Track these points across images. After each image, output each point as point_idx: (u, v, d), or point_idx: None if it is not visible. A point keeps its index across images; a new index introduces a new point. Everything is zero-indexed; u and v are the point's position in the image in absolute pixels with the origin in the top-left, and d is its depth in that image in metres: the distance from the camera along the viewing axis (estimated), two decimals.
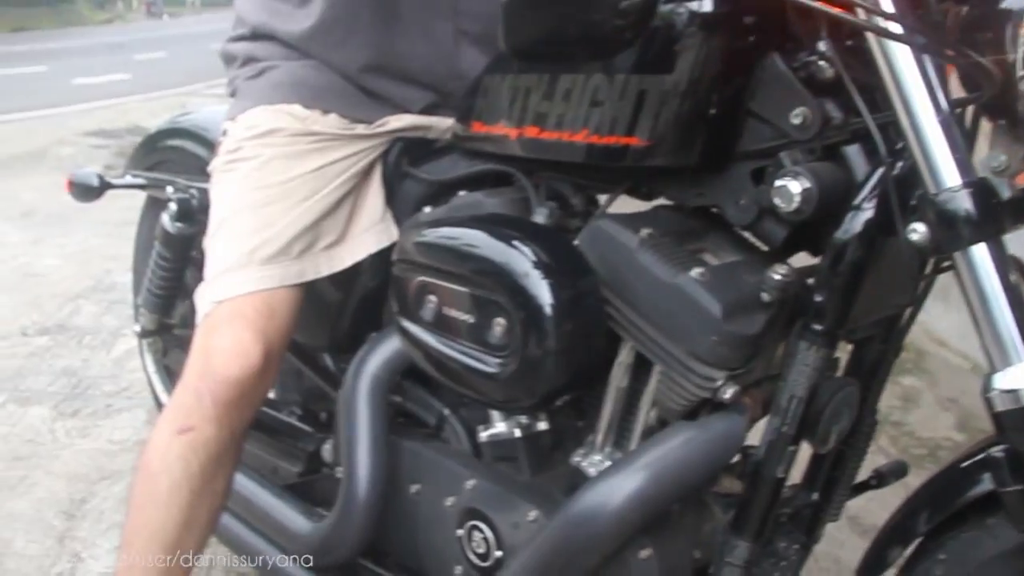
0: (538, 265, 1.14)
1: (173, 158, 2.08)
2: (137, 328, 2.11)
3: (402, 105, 1.51)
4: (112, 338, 3.22)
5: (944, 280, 1.13)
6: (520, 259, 1.15)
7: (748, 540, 1.14)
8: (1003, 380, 0.93)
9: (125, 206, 2.15)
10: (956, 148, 0.93)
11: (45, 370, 2.96)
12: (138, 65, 19.23)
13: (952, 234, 0.93)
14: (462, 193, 1.44)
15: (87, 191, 2.06)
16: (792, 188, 1.03)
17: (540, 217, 1.31)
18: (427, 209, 1.49)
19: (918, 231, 0.95)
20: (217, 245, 1.47)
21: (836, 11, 0.93)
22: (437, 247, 1.26)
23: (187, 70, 19.45)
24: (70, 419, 2.65)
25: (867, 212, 1.03)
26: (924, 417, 3.01)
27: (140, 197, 2.27)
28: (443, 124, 1.52)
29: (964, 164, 0.93)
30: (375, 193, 1.53)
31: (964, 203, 0.91)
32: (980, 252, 0.92)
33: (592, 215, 1.29)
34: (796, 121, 1.06)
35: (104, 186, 2.07)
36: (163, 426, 1.43)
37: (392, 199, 1.54)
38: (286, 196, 1.45)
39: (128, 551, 1.42)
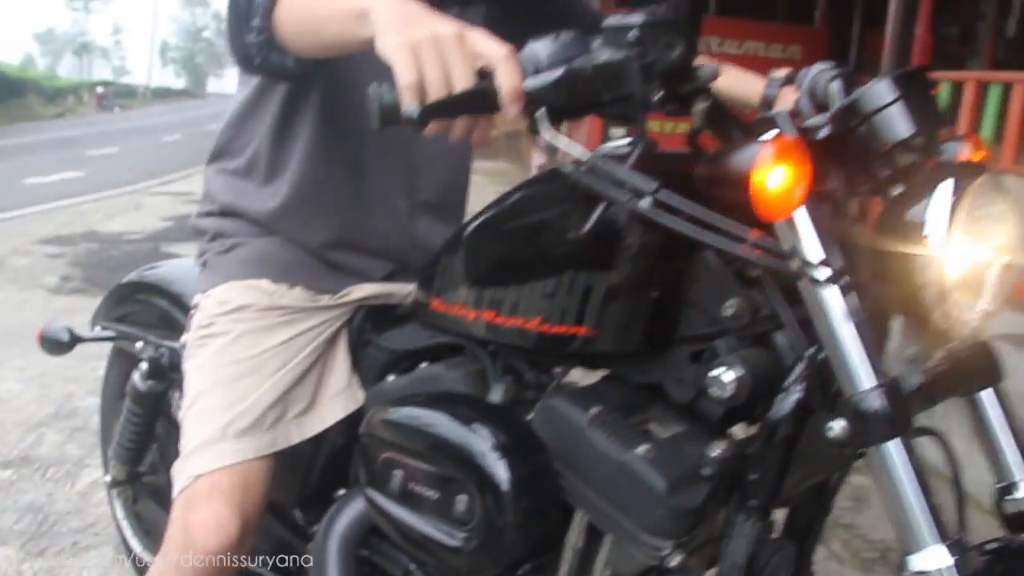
0: (496, 446, 1.23)
1: (140, 311, 2.16)
2: (108, 478, 2.17)
3: (364, 275, 1.62)
4: (76, 469, 3.23)
5: None
6: (479, 441, 1.24)
7: None
8: (917, 562, 1.02)
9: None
10: (870, 352, 1.04)
11: (10, 506, 2.96)
12: (91, 161, 19.30)
13: (867, 432, 1.03)
14: (424, 365, 1.54)
15: (57, 345, 2.12)
16: (725, 377, 1.12)
17: (497, 392, 1.40)
18: (391, 378, 1.58)
19: (834, 429, 1.05)
20: (192, 420, 1.55)
21: (772, 262, 1.05)
22: (402, 427, 1.34)
23: (140, 165, 19.54)
24: (37, 559, 2.65)
25: (796, 394, 1.12)
26: (874, 518, 3.09)
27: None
28: (404, 290, 1.62)
29: (877, 367, 1.04)
30: (342, 360, 1.63)
31: (877, 403, 1.02)
32: (893, 447, 1.03)
33: (545, 387, 1.39)
34: (728, 312, 1.16)
35: (75, 340, 2.14)
36: None
37: (357, 364, 1.64)
38: (257, 369, 1.54)
39: None
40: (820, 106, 1.29)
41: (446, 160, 1.67)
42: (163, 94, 74.42)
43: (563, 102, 1.05)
